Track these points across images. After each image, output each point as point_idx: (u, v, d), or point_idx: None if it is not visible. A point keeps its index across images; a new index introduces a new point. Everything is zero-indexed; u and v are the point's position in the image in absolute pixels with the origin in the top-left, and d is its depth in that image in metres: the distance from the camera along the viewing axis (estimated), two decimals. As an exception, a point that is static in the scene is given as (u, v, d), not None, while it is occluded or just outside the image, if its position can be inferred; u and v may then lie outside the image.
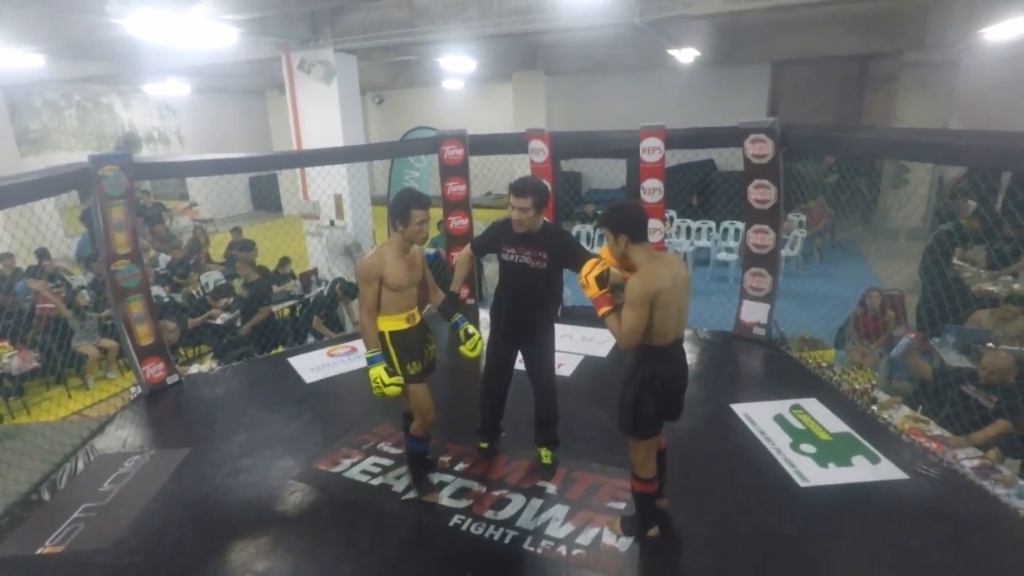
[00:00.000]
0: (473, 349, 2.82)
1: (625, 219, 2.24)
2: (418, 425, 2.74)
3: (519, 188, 2.71)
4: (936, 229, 6.61)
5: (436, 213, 6.98)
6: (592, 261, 2.33)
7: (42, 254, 7.08)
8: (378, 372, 2.55)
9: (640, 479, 2.41)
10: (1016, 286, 5.66)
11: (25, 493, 2.97)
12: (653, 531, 2.51)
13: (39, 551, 2.59)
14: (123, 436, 3.52)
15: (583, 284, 2.30)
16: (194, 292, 7.14)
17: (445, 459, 3.09)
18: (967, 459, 2.96)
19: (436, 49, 8.61)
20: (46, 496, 2.99)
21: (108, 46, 7.15)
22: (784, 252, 6.27)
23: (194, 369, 4.45)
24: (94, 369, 5.92)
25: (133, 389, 4.11)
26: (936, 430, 3.27)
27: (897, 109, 9.65)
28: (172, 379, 4.12)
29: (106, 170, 3.62)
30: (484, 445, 3.10)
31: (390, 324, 2.61)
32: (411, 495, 2.84)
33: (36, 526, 2.75)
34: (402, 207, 2.55)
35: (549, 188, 2.84)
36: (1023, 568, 2.32)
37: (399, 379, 2.58)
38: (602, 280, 2.26)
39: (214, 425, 3.61)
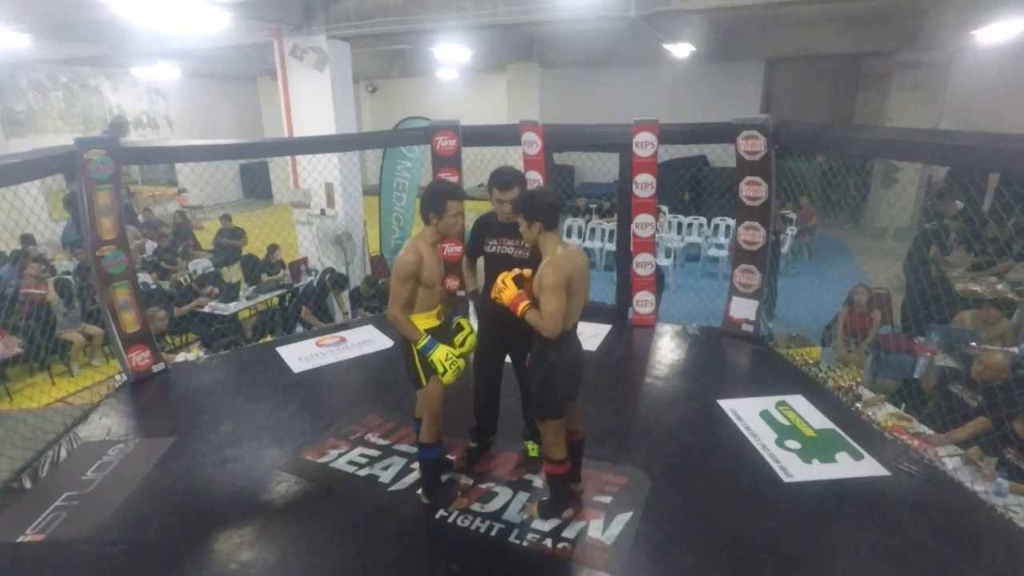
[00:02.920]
0: (462, 344, 2.70)
1: (541, 207, 2.33)
2: (430, 431, 2.61)
3: (504, 181, 2.68)
4: (922, 228, 6.68)
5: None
6: (504, 273, 2.43)
7: (27, 240, 6.97)
8: (444, 351, 2.46)
9: (552, 461, 2.52)
10: (999, 287, 5.74)
11: (6, 481, 2.94)
12: (568, 512, 2.60)
13: (20, 539, 2.56)
14: (107, 424, 3.49)
15: (500, 287, 2.37)
16: (182, 279, 7.07)
17: (452, 457, 3.00)
18: (948, 456, 3.01)
19: (430, 38, 8.52)
20: (27, 484, 2.95)
21: (95, 26, 7.01)
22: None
23: (181, 357, 4.42)
24: (79, 356, 5.86)
25: (118, 377, 4.07)
26: (918, 427, 3.31)
27: (889, 108, 9.72)
28: (158, 367, 4.08)
29: (92, 154, 3.56)
30: (473, 445, 3.08)
31: (424, 322, 2.51)
32: (442, 512, 2.67)
33: (17, 514, 2.72)
34: (437, 198, 2.45)
35: (524, 175, 2.83)
36: (1000, 563, 2.37)
37: (458, 350, 2.54)
38: (519, 281, 2.39)
39: (200, 414, 3.58)
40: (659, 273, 5.26)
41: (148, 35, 7.25)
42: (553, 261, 2.28)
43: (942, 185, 8.73)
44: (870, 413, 3.45)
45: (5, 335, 5.39)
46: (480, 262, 2.96)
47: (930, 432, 3.25)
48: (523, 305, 2.33)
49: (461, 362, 2.52)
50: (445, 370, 2.47)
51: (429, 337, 2.47)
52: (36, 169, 3.39)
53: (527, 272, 2.44)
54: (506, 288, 2.36)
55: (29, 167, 3.30)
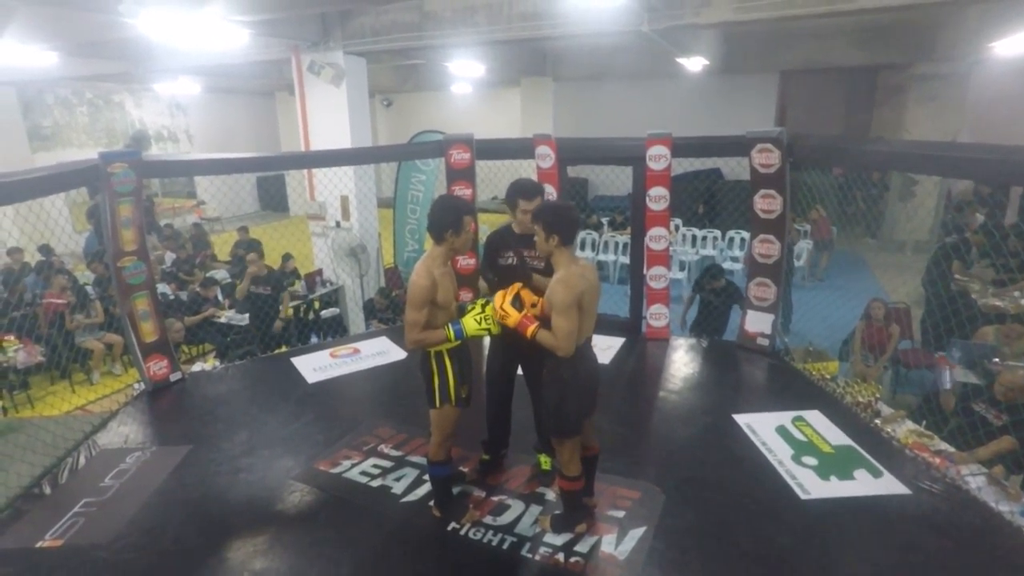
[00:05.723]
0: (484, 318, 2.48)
1: (562, 221, 2.32)
2: (440, 449, 2.60)
3: (529, 190, 2.72)
4: (941, 242, 6.58)
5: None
6: (500, 293, 2.40)
7: (45, 250, 7.12)
8: (472, 318, 2.40)
9: (566, 477, 2.50)
10: (1023, 302, 5.62)
11: (26, 487, 2.99)
12: (581, 527, 2.59)
13: (39, 544, 2.60)
14: (125, 432, 3.54)
15: (501, 316, 2.36)
16: (199, 290, 7.17)
17: (464, 469, 3.02)
18: (971, 475, 2.94)
19: (445, 53, 8.64)
20: (47, 490, 3.00)
21: (120, 45, 7.21)
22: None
23: (197, 367, 4.47)
24: (99, 364, 5.96)
25: (136, 385, 4.13)
26: (940, 445, 3.24)
27: (906, 121, 9.62)
28: (175, 376, 4.13)
29: (115, 167, 3.65)
30: (486, 457, 3.08)
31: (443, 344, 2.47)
32: (454, 525, 2.66)
33: (36, 520, 2.77)
34: (454, 216, 2.40)
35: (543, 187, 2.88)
36: (1026, 587, 2.30)
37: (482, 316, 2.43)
38: (517, 304, 2.37)
39: (215, 423, 3.62)
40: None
41: (170, 52, 7.44)
42: (564, 279, 2.26)
43: (961, 198, 8.61)
44: (890, 430, 3.38)
45: (29, 344, 5.50)
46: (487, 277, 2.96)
47: (952, 450, 3.18)
48: (532, 328, 2.31)
49: (492, 320, 2.42)
50: (488, 328, 2.43)
51: (452, 324, 2.42)
52: (62, 182, 3.48)
53: (523, 291, 2.41)
54: (508, 315, 2.33)
55: (55, 180, 3.39)
